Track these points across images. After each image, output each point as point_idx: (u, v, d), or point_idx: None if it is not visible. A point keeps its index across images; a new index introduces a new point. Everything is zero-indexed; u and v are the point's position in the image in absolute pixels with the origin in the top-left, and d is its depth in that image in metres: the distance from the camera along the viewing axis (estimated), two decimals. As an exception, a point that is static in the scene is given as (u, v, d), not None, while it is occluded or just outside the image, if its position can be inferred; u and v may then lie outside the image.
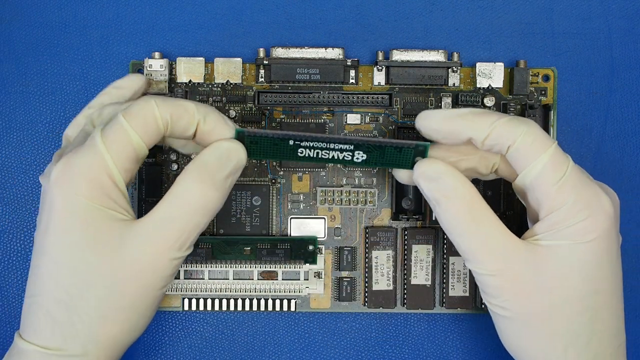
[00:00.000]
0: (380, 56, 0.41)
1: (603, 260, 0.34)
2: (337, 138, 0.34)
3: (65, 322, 0.32)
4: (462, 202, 0.34)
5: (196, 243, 0.40)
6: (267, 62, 0.41)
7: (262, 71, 0.41)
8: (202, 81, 0.41)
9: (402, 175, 0.37)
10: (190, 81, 0.41)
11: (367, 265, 0.42)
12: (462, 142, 0.35)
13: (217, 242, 0.40)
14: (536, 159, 0.33)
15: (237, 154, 0.34)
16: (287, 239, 0.41)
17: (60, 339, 0.32)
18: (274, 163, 0.42)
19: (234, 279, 0.41)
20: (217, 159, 0.34)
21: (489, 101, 0.42)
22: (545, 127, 0.41)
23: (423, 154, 0.35)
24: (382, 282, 0.41)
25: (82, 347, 0.32)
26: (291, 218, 0.42)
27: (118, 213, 0.33)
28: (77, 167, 0.32)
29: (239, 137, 0.34)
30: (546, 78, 0.43)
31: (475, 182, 0.42)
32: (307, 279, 0.41)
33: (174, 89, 0.41)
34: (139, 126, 0.33)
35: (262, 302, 0.42)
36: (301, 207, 0.42)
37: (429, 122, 0.35)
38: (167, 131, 0.34)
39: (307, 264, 0.41)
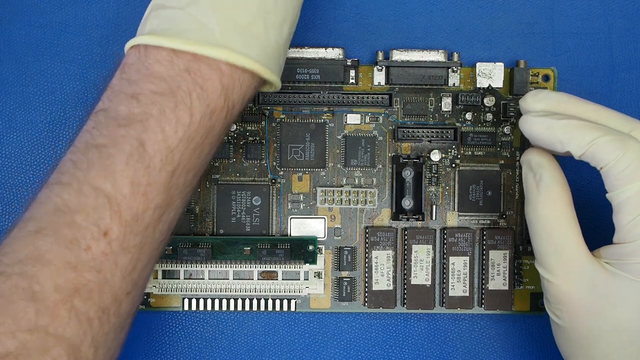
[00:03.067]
0: (380, 56, 0.41)
1: None
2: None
3: None
4: (549, 202, 0.34)
5: (196, 243, 0.40)
6: (267, 62, 0.41)
7: (262, 71, 0.41)
8: (202, 81, 0.41)
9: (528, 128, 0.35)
10: (190, 81, 0.41)
11: (367, 265, 0.42)
12: (561, 153, 0.34)
13: (217, 242, 0.40)
14: (623, 187, 0.32)
15: None
16: (287, 239, 0.41)
17: None
18: (274, 163, 0.42)
19: (234, 279, 0.41)
20: None
21: (489, 101, 0.42)
22: (545, 127, 0.41)
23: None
24: (382, 282, 0.41)
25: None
26: (291, 218, 0.42)
27: None
28: None
29: None
30: (546, 78, 0.43)
31: (477, 177, 0.42)
32: (307, 279, 0.41)
33: (174, 89, 0.41)
34: None
35: (262, 302, 0.42)
36: (301, 207, 0.42)
37: (529, 127, 0.34)
38: None
39: (307, 264, 0.41)
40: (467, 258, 0.41)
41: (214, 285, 0.41)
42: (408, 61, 0.41)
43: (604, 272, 0.33)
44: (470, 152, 0.42)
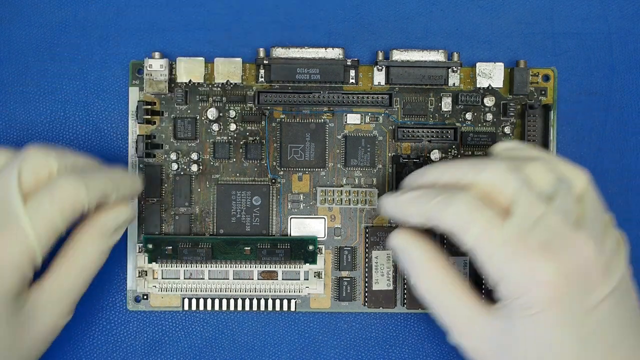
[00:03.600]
0: (380, 56, 0.41)
1: (553, 331, 0.31)
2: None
3: None
4: (426, 278, 0.35)
5: (196, 243, 0.40)
6: (267, 62, 0.41)
7: (262, 71, 0.41)
8: (202, 81, 0.41)
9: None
10: (190, 81, 0.41)
11: (367, 265, 0.42)
12: (417, 225, 0.35)
13: (217, 242, 0.40)
14: (464, 238, 0.32)
15: (130, 220, 0.37)
16: (287, 239, 0.41)
17: None
18: (274, 163, 0.42)
19: (234, 279, 0.41)
20: (116, 226, 0.36)
21: (489, 101, 0.42)
22: (545, 127, 0.41)
23: None
24: (382, 282, 0.41)
25: None
26: (291, 218, 0.42)
27: (23, 295, 0.34)
28: (3, 254, 0.32)
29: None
30: (546, 78, 0.43)
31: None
32: (307, 279, 0.41)
33: (174, 89, 0.41)
34: (66, 214, 0.33)
35: (262, 302, 0.42)
36: (301, 207, 0.42)
37: (385, 209, 0.36)
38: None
39: (307, 264, 0.41)
40: (467, 258, 0.41)
41: (214, 285, 0.41)
42: (408, 61, 0.41)
43: (496, 320, 0.33)
44: (470, 152, 0.42)
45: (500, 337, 0.33)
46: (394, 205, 0.36)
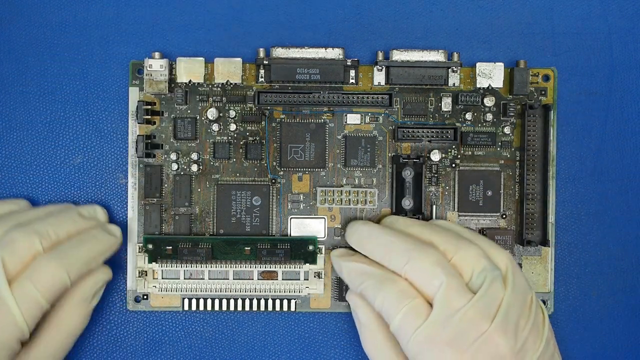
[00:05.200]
0: (380, 56, 0.41)
1: None
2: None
3: None
4: (369, 338, 0.38)
5: (196, 243, 0.40)
6: (267, 62, 0.41)
7: (262, 71, 0.41)
8: (202, 81, 0.41)
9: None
10: (190, 81, 0.41)
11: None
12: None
13: (217, 242, 0.40)
14: (391, 321, 0.35)
15: (107, 281, 0.40)
16: (287, 239, 0.41)
17: None
18: (274, 163, 0.42)
19: (233, 279, 0.41)
20: (95, 292, 0.39)
21: (489, 101, 0.42)
22: (545, 127, 0.41)
23: None
24: (382, 282, 0.41)
25: None
26: (291, 218, 0.42)
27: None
28: None
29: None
30: (546, 78, 0.43)
31: (477, 177, 0.42)
32: (307, 279, 0.41)
33: (174, 89, 0.41)
34: (50, 295, 0.35)
35: (262, 302, 0.42)
36: (301, 207, 0.42)
37: (334, 266, 0.40)
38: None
39: (307, 264, 0.41)
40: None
41: (214, 285, 0.41)
42: (408, 61, 0.41)
43: None
44: (470, 152, 0.42)
45: None
46: (338, 268, 0.39)
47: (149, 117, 0.41)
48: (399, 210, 0.41)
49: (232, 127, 0.41)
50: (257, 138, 0.42)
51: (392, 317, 0.35)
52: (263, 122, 0.42)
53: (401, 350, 0.36)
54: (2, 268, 0.35)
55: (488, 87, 0.42)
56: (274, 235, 0.42)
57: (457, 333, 0.33)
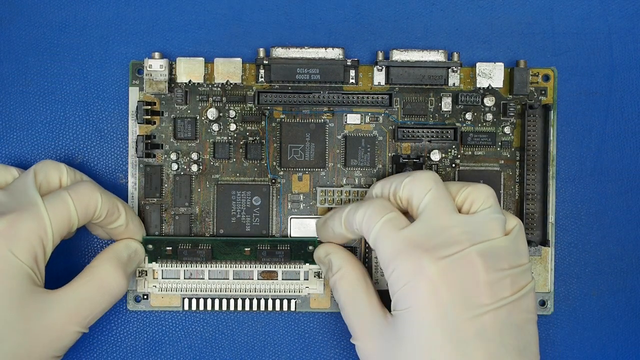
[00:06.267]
0: (380, 56, 0.41)
1: (429, 330, 0.33)
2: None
3: None
4: (343, 280, 0.38)
5: (196, 243, 0.40)
6: (267, 62, 0.41)
7: (262, 71, 0.41)
8: (202, 81, 0.41)
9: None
10: (190, 81, 0.41)
11: (366, 265, 0.42)
12: (352, 237, 0.39)
13: (217, 243, 0.40)
14: (369, 241, 0.35)
15: (142, 255, 0.40)
16: (287, 240, 0.41)
17: None
18: (274, 163, 0.42)
19: (233, 279, 0.41)
20: (129, 254, 0.39)
21: (489, 101, 0.42)
22: (545, 127, 0.41)
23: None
24: (382, 282, 0.41)
25: None
26: (291, 218, 0.42)
27: (37, 279, 0.35)
28: (20, 229, 0.34)
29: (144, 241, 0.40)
30: (546, 78, 0.43)
31: (477, 177, 0.42)
32: (307, 279, 0.41)
33: (174, 89, 0.41)
34: (81, 208, 0.36)
35: (262, 302, 0.42)
36: (301, 207, 0.42)
37: (317, 230, 0.41)
38: (97, 220, 0.37)
39: (307, 264, 0.41)
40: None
41: (214, 285, 0.41)
42: (408, 61, 0.41)
43: (389, 326, 0.35)
44: (470, 152, 0.42)
45: (389, 340, 0.34)
46: (322, 221, 0.40)
47: (149, 117, 0.41)
48: (399, 210, 0.41)
49: (232, 127, 0.41)
50: (257, 138, 0.42)
51: (372, 226, 0.35)
52: (263, 122, 0.42)
53: (373, 289, 0.37)
54: (33, 177, 0.36)
55: (488, 87, 0.42)
56: (274, 236, 0.42)
57: (437, 243, 0.33)
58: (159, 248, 0.40)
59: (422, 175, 0.36)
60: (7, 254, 0.33)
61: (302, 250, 0.41)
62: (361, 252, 0.42)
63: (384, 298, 0.42)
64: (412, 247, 0.33)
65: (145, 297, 0.42)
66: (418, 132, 0.41)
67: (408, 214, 0.37)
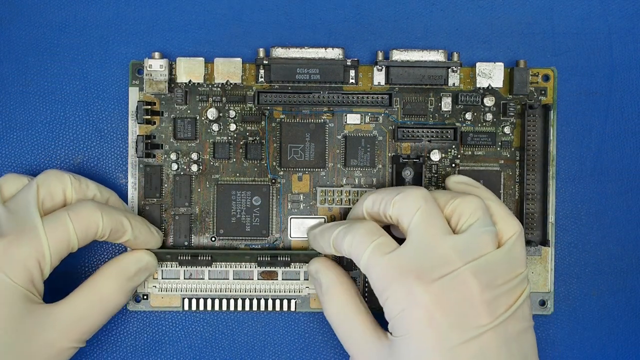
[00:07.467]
0: (380, 56, 0.41)
1: (427, 356, 0.32)
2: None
3: None
4: (332, 302, 0.37)
5: (195, 255, 0.40)
6: (267, 62, 0.41)
7: (262, 71, 0.41)
8: (202, 81, 0.41)
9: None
10: (190, 81, 0.41)
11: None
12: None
13: (217, 255, 0.40)
14: (359, 265, 0.35)
15: (153, 268, 0.39)
16: (288, 253, 0.41)
17: None
18: (274, 163, 0.42)
19: (233, 279, 0.41)
20: (139, 269, 0.38)
21: (489, 101, 0.42)
22: (545, 127, 0.41)
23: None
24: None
25: None
26: (291, 218, 0.42)
27: (35, 296, 0.35)
28: (16, 253, 0.34)
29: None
30: (546, 78, 0.43)
31: (477, 177, 0.42)
32: (307, 279, 0.41)
33: (174, 89, 0.41)
34: (81, 231, 0.35)
35: (262, 302, 0.42)
36: (301, 207, 0.42)
37: (309, 241, 0.40)
38: (101, 240, 0.37)
39: (307, 265, 0.41)
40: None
41: (214, 285, 0.41)
42: (408, 61, 0.41)
43: (385, 347, 0.35)
44: (470, 152, 0.42)
45: (389, 355, 0.34)
46: (312, 237, 0.39)
47: (149, 117, 0.41)
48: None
49: (232, 127, 0.41)
50: (257, 138, 0.42)
51: (362, 252, 0.35)
52: (263, 122, 0.42)
53: (364, 308, 0.37)
54: (35, 194, 0.35)
55: (488, 87, 0.42)
56: (275, 242, 0.42)
57: (429, 265, 0.33)
58: (160, 259, 0.40)
59: (411, 192, 0.35)
60: (2, 277, 0.34)
61: (302, 251, 0.41)
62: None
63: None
64: (404, 274, 0.33)
65: (145, 297, 0.42)
66: (418, 132, 0.41)
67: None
